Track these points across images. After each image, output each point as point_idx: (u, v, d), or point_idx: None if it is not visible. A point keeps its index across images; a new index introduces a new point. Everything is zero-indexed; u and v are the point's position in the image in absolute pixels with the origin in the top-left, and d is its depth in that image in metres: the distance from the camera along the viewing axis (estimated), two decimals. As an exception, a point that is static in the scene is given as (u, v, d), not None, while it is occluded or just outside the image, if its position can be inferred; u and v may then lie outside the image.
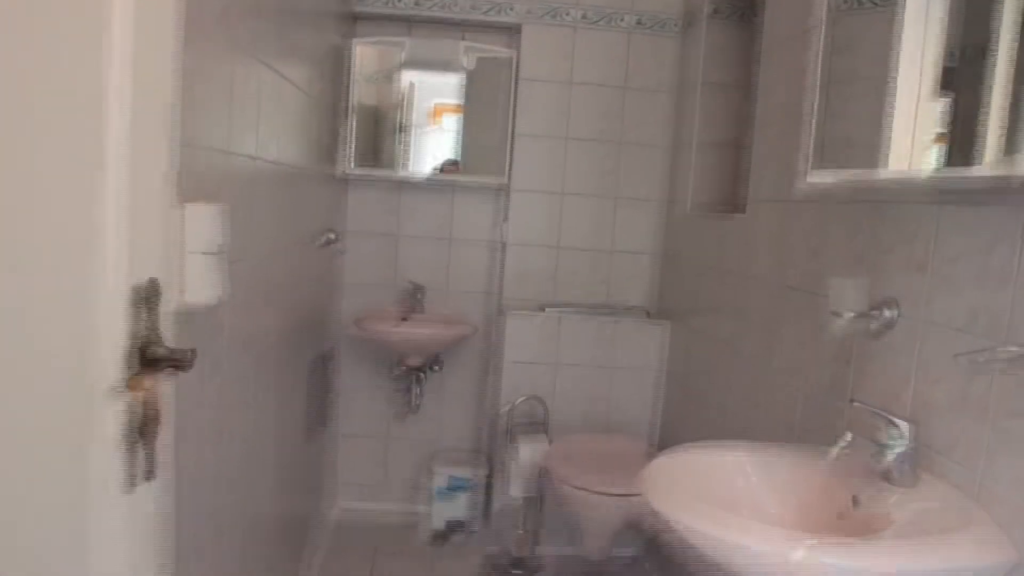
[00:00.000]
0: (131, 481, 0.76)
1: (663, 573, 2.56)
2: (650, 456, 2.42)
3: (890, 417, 1.21)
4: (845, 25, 1.41)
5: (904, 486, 1.18)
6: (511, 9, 2.76)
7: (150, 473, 0.80)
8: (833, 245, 1.62)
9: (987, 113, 1.03)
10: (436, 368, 2.99)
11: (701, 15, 2.57)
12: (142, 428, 0.77)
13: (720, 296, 2.27)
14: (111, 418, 0.73)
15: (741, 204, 2.16)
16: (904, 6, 1.21)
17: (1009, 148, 0.99)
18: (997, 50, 1.01)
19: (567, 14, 2.76)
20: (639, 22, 2.78)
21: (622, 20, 2.77)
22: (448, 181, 2.95)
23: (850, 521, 1.20)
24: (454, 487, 2.92)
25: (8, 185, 0.61)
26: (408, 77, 2.92)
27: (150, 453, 0.79)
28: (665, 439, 2.70)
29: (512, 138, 2.84)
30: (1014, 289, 1.06)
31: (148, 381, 0.77)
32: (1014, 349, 1.02)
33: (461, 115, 2.95)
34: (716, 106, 2.58)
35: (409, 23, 2.84)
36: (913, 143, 1.25)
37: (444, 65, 2.90)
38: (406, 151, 2.96)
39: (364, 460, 3.09)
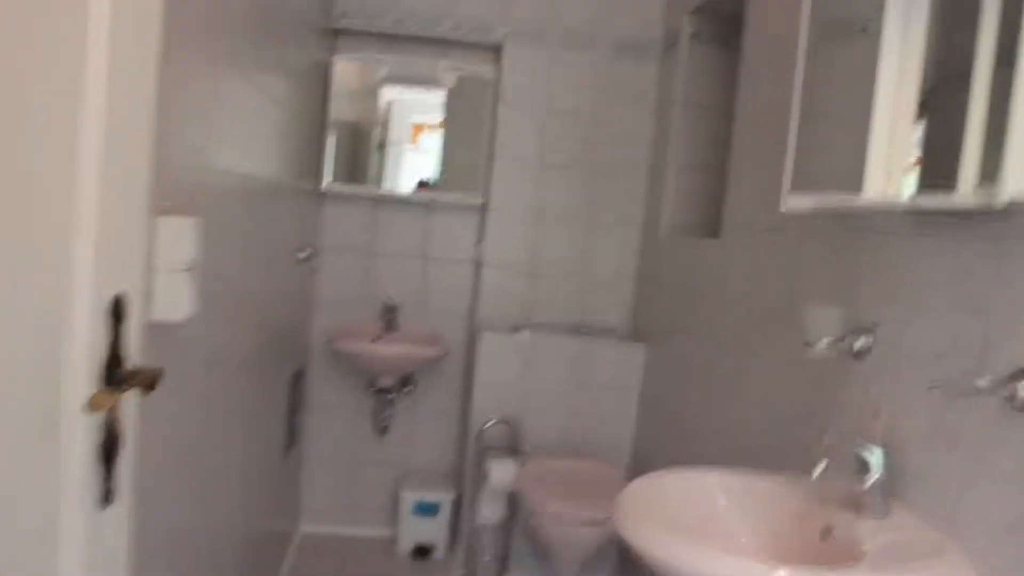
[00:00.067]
0: (95, 502, 0.74)
1: (633, 599, 2.54)
2: (622, 480, 2.42)
3: (863, 445, 1.21)
4: (825, 50, 1.43)
5: (877, 516, 1.18)
6: (493, 29, 2.78)
7: (112, 494, 0.77)
8: (809, 270, 1.64)
9: (964, 140, 1.04)
10: (408, 388, 2.96)
11: (681, 38, 2.60)
12: (106, 448, 0.75)
13: (695, 320, 2.28)
14: (76, 438, 0.71)
15: (718, 228, 2.17)
16: (883, 33, 1.23)
17: (985, 175, 1.00)
18: (975, 77, 1.02)
19: (549, 35, 2.78)
20: (620, 44, 2.80)
21: (603, 41, 2.80)
22: (426, 199, 2.94)
23: (823, 551, 1.19)
24: (423, 510, 2.89)
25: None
26: (388, 94, 2.92)
27: (113, 474, 0.77)
28: (638, 462, 2.69)
29: (491, 157, 2.84)
30: (988, 316, 1.08)
31: (113, 400, 0.74)
32: (988, 378, 1.03)
33: (441, 133, 2.95)
34: (695, 129, 2.61)
35: (390, 40, 2.84)
36: (890, 169, 1.26)
37: (425, 83, 2.91)
38: (385, 168, 2.95)
39: (332, 481, 3.04)
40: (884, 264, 1.35)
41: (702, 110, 2.60)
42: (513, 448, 2.69)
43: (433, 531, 2.89)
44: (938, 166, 1.14)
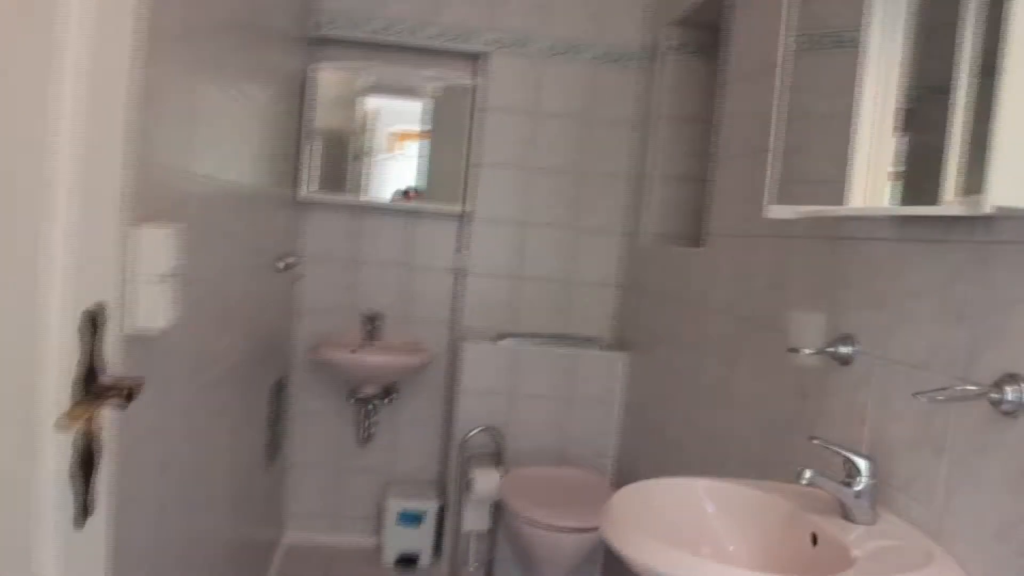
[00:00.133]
0: (71, 519, 0.72)
1: (619, 607, 2.53)
2: (606, 488, 2.41)
3: (849, 453, 1.21)
4: (806, 62, 1.44)
5: (863, 523, 1.18)
6: (477, 37, 2.77)
7: (89, 509, 0.75)
8: (792, 280, 1.64)
9: (945, 151, 1.05)
10: (392, 397, 2.94)
11: (664, 49, 2.61)
12: (83, 462, 0.73)
13: (679, 328, 2.28)
14: (53, 451, 0.69)
15: (702, 236, 2.18)
16: (865, 46, 1.24)
17: (970, 183, 1.01)
18: (956, 90, 1.03)
19: (533, 44, 2.78)
20: (604, 54, 2.81)
21: (587, 52, 2.80)
22: (409, 208, 2.93)
23: (812, 558, 1.19)
24: (407, 519, 2.86)
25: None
26: (371, 102, 2.91)
27: (91, 488, 0.75)
28: (622, 471, 2.68)
29: (472, 166, 2.83)
30: (973, 323, 1.08)
31: (90, 413, 0.73)
32: (972, 388, 1.03)
33: (424, 142, 2.94)
34: (678, 139, 2.62)
35: (374, 49, 2.83)
36: (873, 179, 1.27)
37: (408, 91, 2.90)
38: (367, 176, 2.94)
39: (315, 490, 3.01)
40: (869, 271, 1.36)
41: (685, 120, 2.61)
42: (497, 456, 2.68)
43: (418, 540, 2.86)
44: (921, 176, 1.15)
